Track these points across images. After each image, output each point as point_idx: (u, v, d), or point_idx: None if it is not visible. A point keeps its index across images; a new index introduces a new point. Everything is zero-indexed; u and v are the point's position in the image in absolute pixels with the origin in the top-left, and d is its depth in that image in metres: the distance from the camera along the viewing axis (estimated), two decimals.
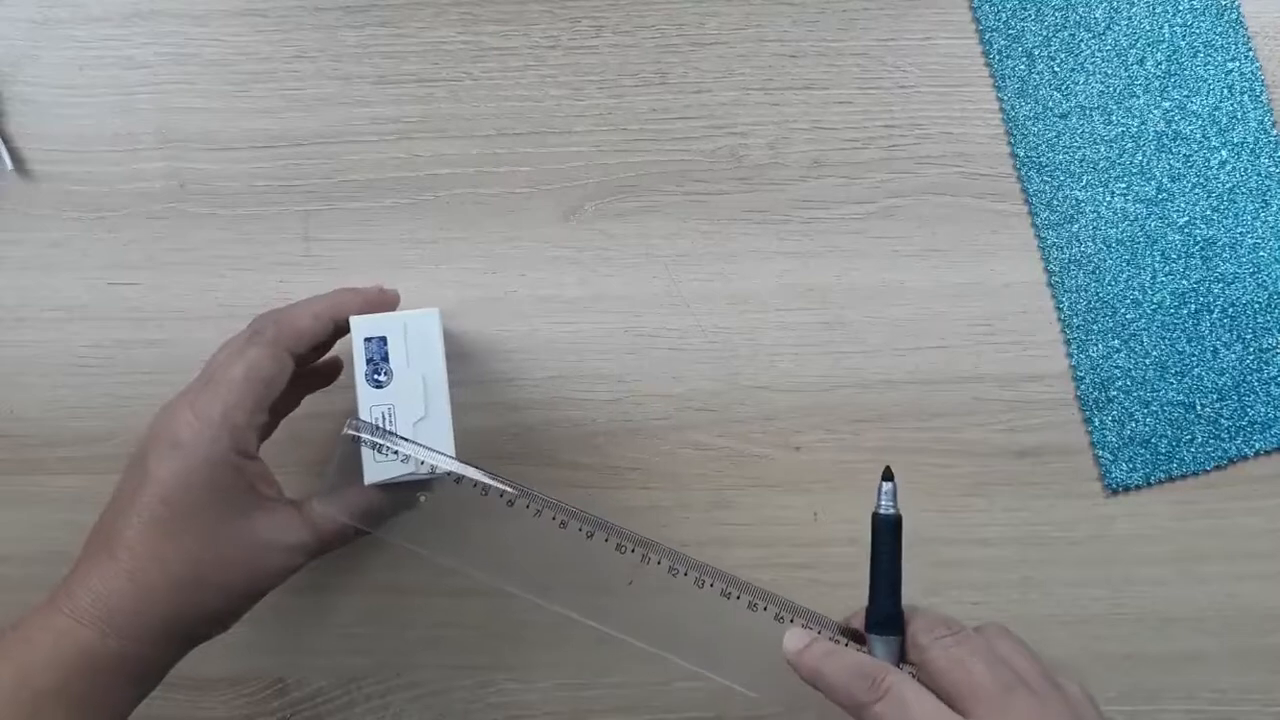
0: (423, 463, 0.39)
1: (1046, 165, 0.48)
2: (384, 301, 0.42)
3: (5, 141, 0.48)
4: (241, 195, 0.48)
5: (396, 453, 0.39)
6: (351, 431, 0.39)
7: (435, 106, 0.49)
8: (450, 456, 0.39)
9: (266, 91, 0.49)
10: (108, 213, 0.48)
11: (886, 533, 0.38)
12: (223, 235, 0.48)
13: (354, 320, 0.40)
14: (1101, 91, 0.49)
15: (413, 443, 0.39)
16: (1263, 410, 0.47)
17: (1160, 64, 0.49)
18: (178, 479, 0.36)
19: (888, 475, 0.38)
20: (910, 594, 0.47)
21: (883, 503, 0.38)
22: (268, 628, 0.47)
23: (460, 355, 0.48)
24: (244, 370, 0.37)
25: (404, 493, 0.40)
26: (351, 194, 0.48)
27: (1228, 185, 0.48)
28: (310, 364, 0.43)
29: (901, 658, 0.37)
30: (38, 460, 0.48)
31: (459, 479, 0.39)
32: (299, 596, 0.47)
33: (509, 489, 0.39)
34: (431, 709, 0.47)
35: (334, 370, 0.45)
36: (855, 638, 0.38)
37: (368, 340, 0.40)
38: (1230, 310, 0.48)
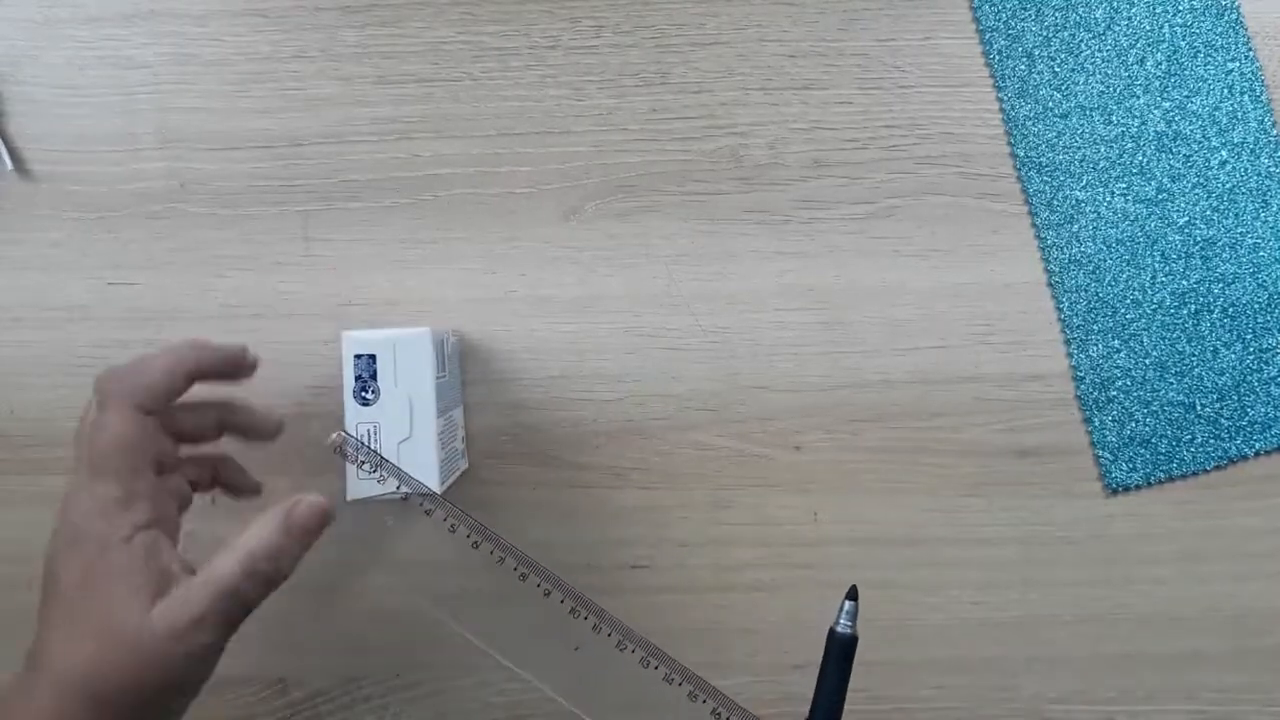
0: (399, 486, 0.39)
1: (1046, 165, 0.48)
2: (236, 361, 0.39)
3: (5, 141, 0.48)
4: (241, 195, 0.48)
5: (375, 471, 0.39)
6: (337, 440, 0.39)
7: (435, 106, 0.49)
8: (429, 483, 0.39)
9: (266, 91, 0.49)
10: (108, 213, 0.48)
11: (839, 652, 0.37)
12: (223, 235, 0.48)
13: (345, 335, 0.40)
14: (1101, 92, 0.49)
15: (394, 465, 0.39)
16: (1263, 410, 0.47)
17: (1160, 64, 0.49)
18: (79, 572, 0.34)
19: (852, 594, 0.38)
20: (911, 592, 0.47)
21: (842, 621, 0.38)
22: (268, 628, 0.47)
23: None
24: (106, 445, 0.35)
25: (372, 513, 0.40)
26: (351, 194, 0.48)
27: (1228, 185, 0.48)
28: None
29: None
30: (38, 460, 0.48)
31: (429, 511, 0.39)
32: (299, 596, 0.47)
33: (475, 533, 0.39)
34: (431, 709, 0.47)
35: (266, 429, 0.42)
36: None
37: (357, 357, 0.40)
38: (1230, 310, 0.48)
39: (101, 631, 0.33)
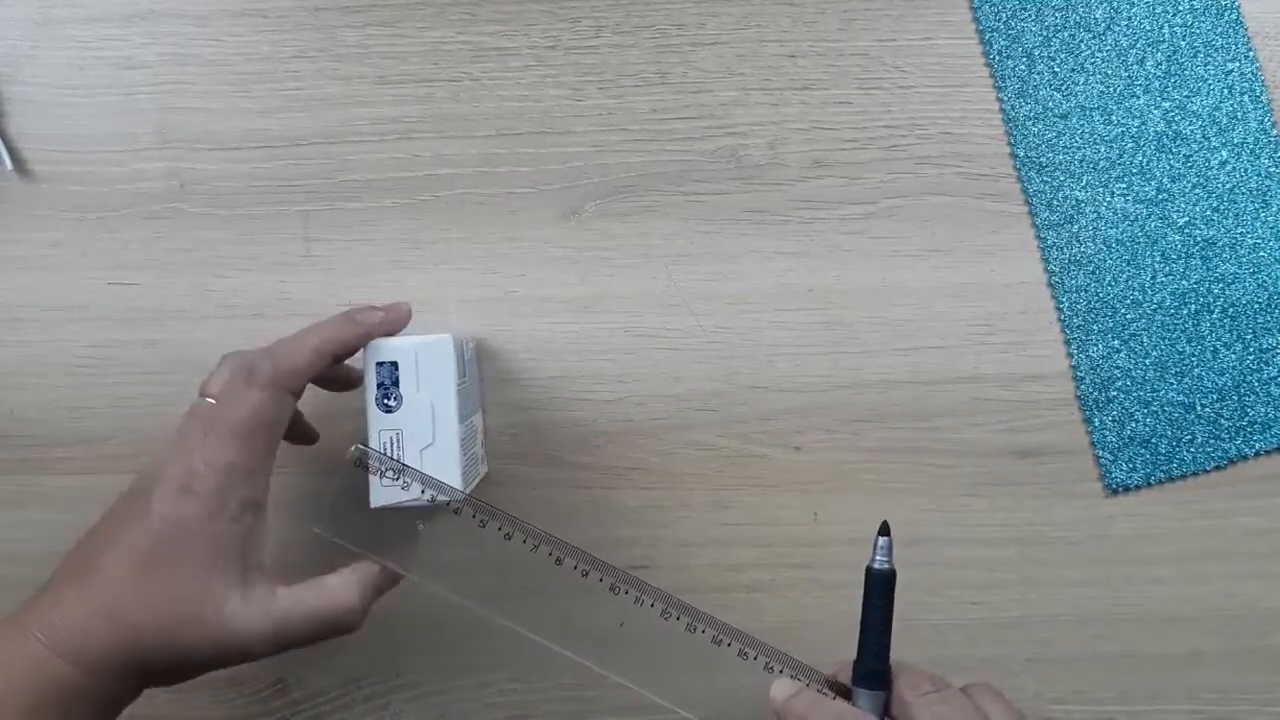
0: (424, 491, 0.39)
1: (1046, 165, 0.48)
2: (390, 325, 0.41)
3: (5, 141, 0.48)
4: (241, 195, 0.48)
5: (399, 479, 0.39)
6: (357, 453, 0.39)
7: (435, 106, 0.49)
8: (453, 486, 0.40)
9: (266, 91, 0.49)
10: (108, 213, 0.48)
11: (879, 587, 0.38)
12: (223, 235, 0.48)
13: (370, 344, 0.40)
14: (1101, 92, 0.49)
15: (416, 470, 0.39)
16: (1263, 410, 0.47)
17: (1160, 64, 0.49)
18: (178, 521, 0.35)
19: (884, 530, 0.38)
20: (911, 592, 0.47)
21: (877, 557, 0.38)
22: None
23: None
24: (248, 417, 0.36)
25: (403, 519, 0.40)
26: (351, 194, 0.48)
27: (1228, 185, 0.48)
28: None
29: (886, 712, 0.37)
30: (38, 460, 0.48)
31: (458, 510, 0.39)
32: None
33: (506, 524, 0.40)
34: (431, 709, 0.47)
35: (349, 381, 0.45)
36: (841, 692, 0.38)
37: (379, 365, 0.40)
38: (1230, 310, 0.48)
39: (182, 598, 0.35)
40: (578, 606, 0.38)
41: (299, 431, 0.44)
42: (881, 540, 0.38)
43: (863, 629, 0.38)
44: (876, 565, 0.38)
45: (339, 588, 0.38)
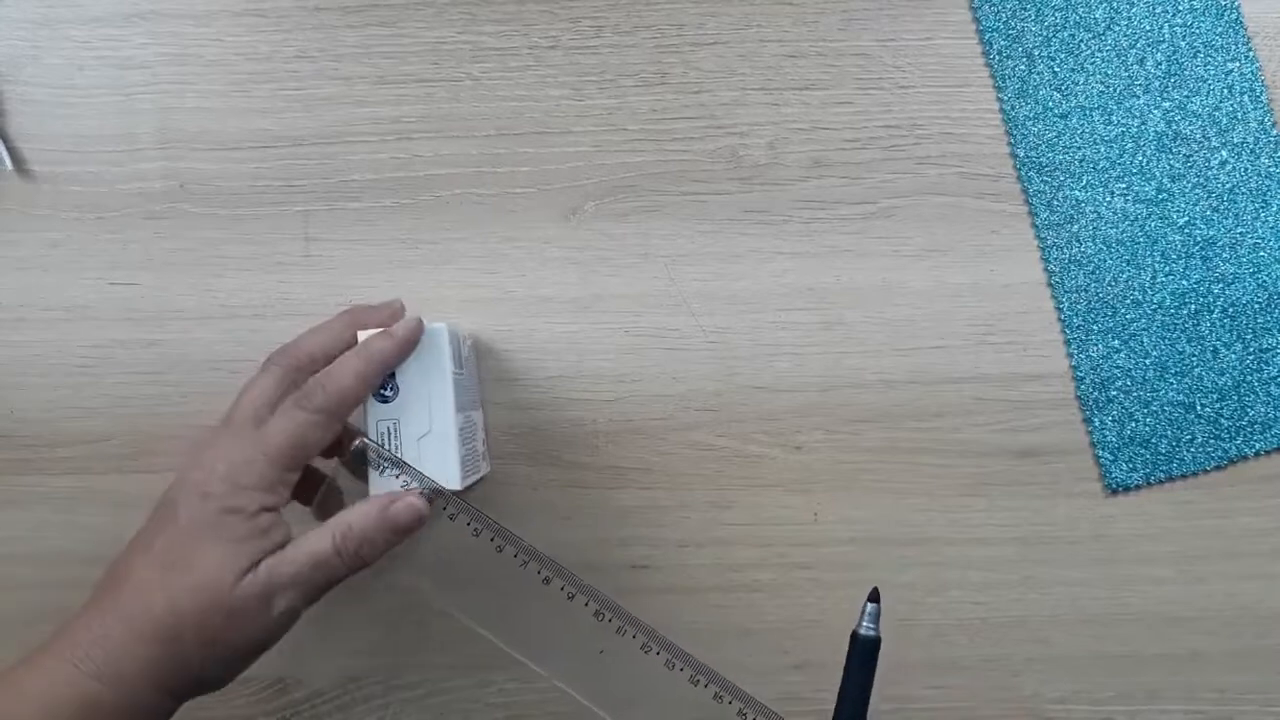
0: (419, 484, 0.39)
1: (1046, 165, 0.48)
2: (396, 323, 0.41)
3: (5, 141, 0.48)
4: (241, 195, 0.48)
5: (399, 475, 0.39)
6: (360, 446, 0.39)
7: (435, 106, 0.49)
8: (451, 483, 0.39)
9: (266, 91, 0.49)
10: (108, 213, 0.48)
11: (863, 653, 0.38)
12: (223, 235, 0.48)
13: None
14: (1101, 92, 0.49)
15: (416, 470, 0.39)
16: (1262, 410, 0.47)
17: (1160, 64, 0.49)
18: (198, 521, 0.36)
19: (874, 596, 0.38)
20: (911, 592, 0.47)
21: (864, 624, 0.38)
22: None
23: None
24: (287, 442, 0.37)
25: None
26: (351, 194, 0.48)
27: (1228, 185, 0.48)
28: None
29: None
30: (38, 460, 0.48)
31: (453, 516, 0.39)
32: None
33: (498, 536, 0.39)
34: (431, 709, 0.47)
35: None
36: None
37: None
38: (1230, 310, 0.48)
39: (199, 583, 0.35)
40: (560, 627, 0.38)
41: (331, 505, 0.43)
42: (870, 606, 0.38)
43: (841, 695, 0.38)
44: (863, 631, 0.38)
45: (315, 537, 0.37)
